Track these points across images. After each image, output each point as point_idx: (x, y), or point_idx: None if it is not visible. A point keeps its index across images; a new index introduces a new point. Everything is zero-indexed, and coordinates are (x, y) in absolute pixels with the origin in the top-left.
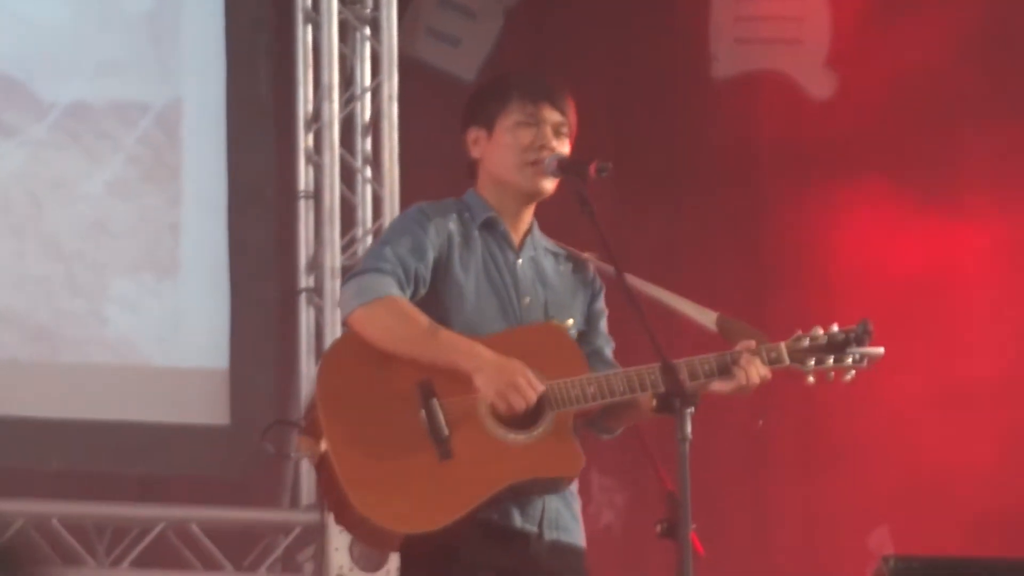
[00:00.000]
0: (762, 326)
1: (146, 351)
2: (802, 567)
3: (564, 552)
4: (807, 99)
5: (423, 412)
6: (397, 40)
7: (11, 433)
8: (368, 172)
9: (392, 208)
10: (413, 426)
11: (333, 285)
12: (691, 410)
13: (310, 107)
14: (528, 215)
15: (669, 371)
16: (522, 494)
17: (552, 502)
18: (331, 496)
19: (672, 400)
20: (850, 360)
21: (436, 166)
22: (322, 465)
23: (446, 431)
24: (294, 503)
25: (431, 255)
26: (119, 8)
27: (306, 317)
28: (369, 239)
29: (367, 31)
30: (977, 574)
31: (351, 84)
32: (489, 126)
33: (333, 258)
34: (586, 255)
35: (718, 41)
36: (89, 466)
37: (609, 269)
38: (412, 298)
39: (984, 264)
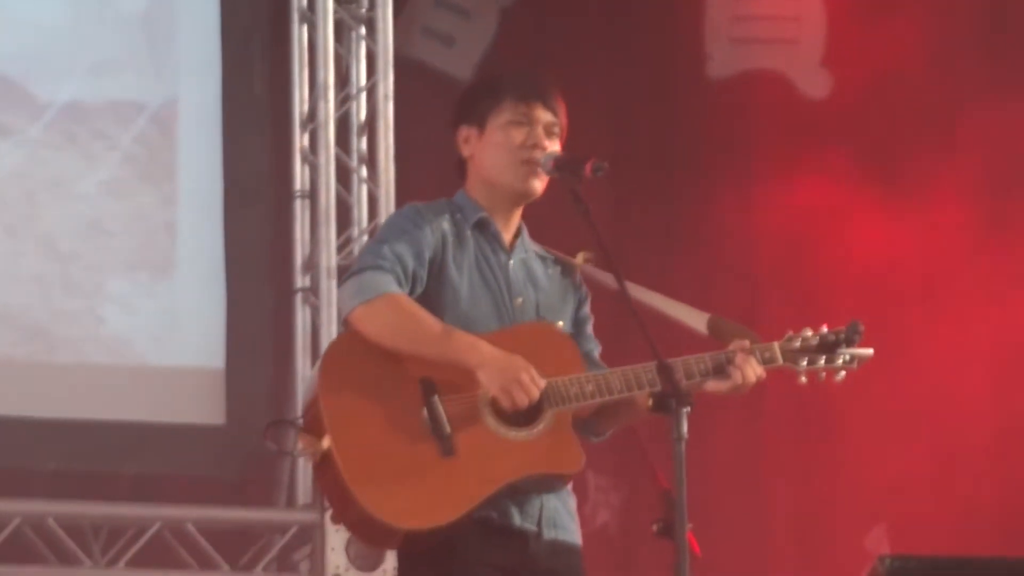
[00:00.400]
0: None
1: (142, 350)
2: (798, 567)
3: (562, 551)
4: (803, 98)
5: (425, 409)
6: (392, 40)
7: (7, 433)
8: (364, 172)
9: (388, 208)
10: (415, 423)
11: (329, 285)
12: (687, 409)
13: (306, 107)
14: (517, 216)
15: (665, 370)
16: (521, 492)
17: (550, 501)
18: (332, 494)
19: (668, 399)
20: (841, 361)
21: (432, 166)
22: (323, 463)
23: (448, 428)
24: (290, 503)
25: (427, 254)
26: (115, 8)
27: (302, 317)
28: (365, 239)
29: (363, 31)
30: (974, 573)
31: (347, 84)
32: (481, 125)
33: (329, 258)
34: (577, 259)
35: (714, 40)
36: (85, 466)
37: (596, 274)
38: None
39: (980, 263)
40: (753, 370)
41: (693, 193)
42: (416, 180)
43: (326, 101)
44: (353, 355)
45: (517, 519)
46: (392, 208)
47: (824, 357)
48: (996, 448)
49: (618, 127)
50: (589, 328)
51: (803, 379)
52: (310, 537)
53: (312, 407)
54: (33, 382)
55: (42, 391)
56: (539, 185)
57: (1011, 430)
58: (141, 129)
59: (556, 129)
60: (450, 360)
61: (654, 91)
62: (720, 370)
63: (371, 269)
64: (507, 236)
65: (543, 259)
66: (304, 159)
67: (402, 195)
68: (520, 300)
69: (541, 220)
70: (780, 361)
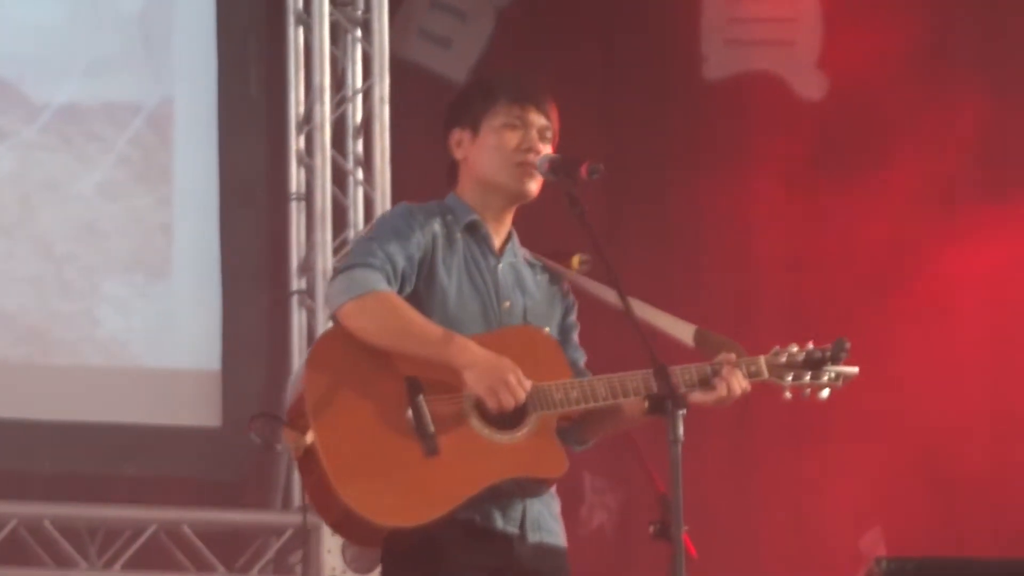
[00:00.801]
0: (752, 328)
1: (137, 352)
2: (794, 568)
3: (547, 553)
4: (798, 100)
5: (410, 408)
6: (388, 42)
7: (2, 435)
8: (360, 174)
9: (384, 210)
10: (400, 421)
11: (325, 287)
12: (683, 412)
13: (301, 109)
14: (509, 219)
15: (662, 372)
16: (503, 496)
17: (534, 504)
18: (314, 489)
19: (664, 402)
20: (826, 378)
21: (428, 168)
22: (306, 458)
23: (432, 428)
24: (286, 505)
25: (417, 255)
26: (110, 9)
27: (298, 319)
28: None
29: (358, 33)
30: (969, 575)
31: (342, 86)
32: (475, 127)
33: (325, 260)
34: (573, 262)
35: (709, 42)
36: (81, 468)
37: (585, 283)
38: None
39: (978, 265)
40: (739, 383)
41: (688, 195)
42: (412, 182)
43: (322, 103)
44: (340, 351)
45: (499, 522)
46: None
47: (810, 373)
48: (990, 449)
49: (613, 129)
50: (575, 336)
51: (788, 395)
52: (306, 539)
53: (297, 402)
54: (29, 384)
55: (38, 393)
56: (534, 187)
57: (1005, 432)
58: (137, 131)
59: (549, 133)
60: (437, 360)
61: (650, 93)
62: (705, 382)
63: (361, 266)
64: (498, 240)
65: (532, 265)
66: (300, 161)
67: (398, 197)
68: (508, 304)
69: (535, 223)
70: (766, 375)
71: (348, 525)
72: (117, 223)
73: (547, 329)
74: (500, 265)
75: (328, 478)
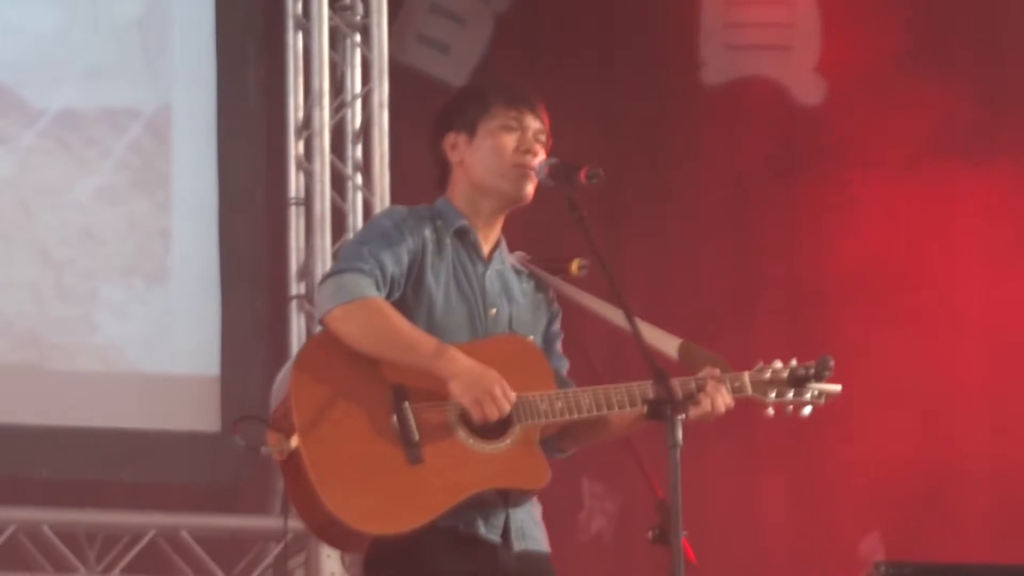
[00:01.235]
0: (750, 332)
1: (136, 358)
2: (793, 573)
3: (532, 560)
4: (797, 105)
5: (395, 416)
6: (387, 47)
7: (0, 440)
8: (359, 179)
9: None
10: (384, 429)
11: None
12: (682, 417)
13: (300, 114)
14: (499, 225)
15: (661, 377)
16: (486, 504)
17: (517, 513)
18: (297, 493)
19: (663, 407)
20: (809, 395)
21: (426, 173)
22: (290, 462)
23: (417, 436)
24: (285, 510)
25: (406, 259)
26: (109, 14)
27: (297, 324)
28: None
29: (357, 38)
30: None
31: (341, 91)
32: (470, 130)
33: (324, 265)
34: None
35: (708, 47)
36: (80, 473)
37: (571, 292)
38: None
39: (977, 268)
40: (723, 399)
41: (686, 199)
42: (411, 187)
43: (321, 108)
44: (327, 356)
45: (482, 529)
46: None
47: (793, 391)
48: (990, 454)
49: (612, 133)
50: (558, 345)
51: (770, 411)
52: (305, 545)
53: (283, 405)
54: (27, 389)
55: (36, 398)
56: (530, 190)
57: (1005, 436)
58: (135, 136)
59: (543, 137)
60: (424, 368)
61: (648, 97)
62: (690, 396)
63: (350, 271)
64: (487, 246)
65: (518, 272)
66: (299, 166)
67: (396, 202)
68: (494, 311)
69: (532, 228)
70: (750, 391)
71: (330, 531)
72: (115, 228)
73: (531, 337)
74: (488, 272)
75: (311, 483)
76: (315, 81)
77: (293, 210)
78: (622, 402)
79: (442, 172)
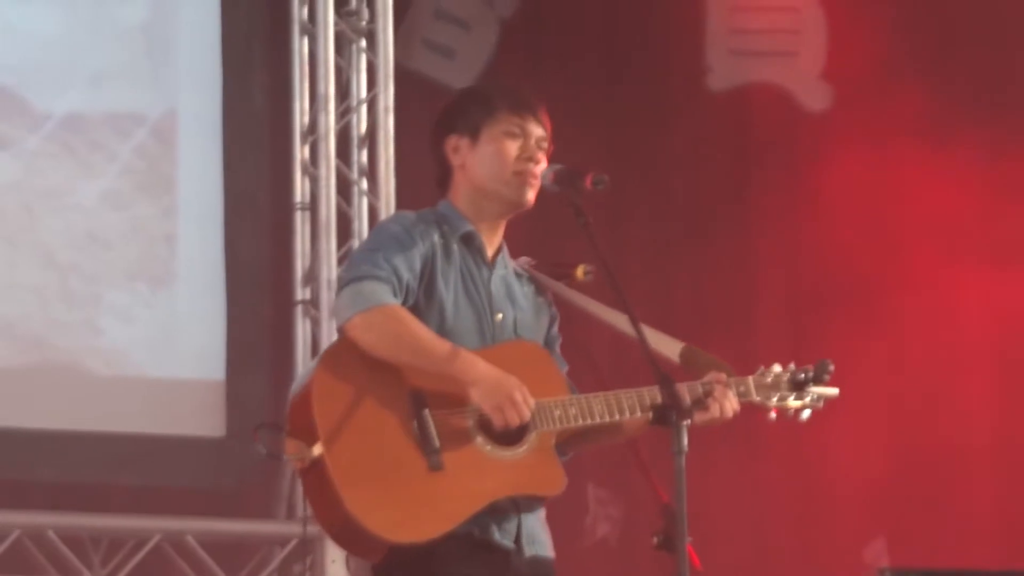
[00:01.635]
0: (755, 337)
1: (141, 362)
2: None
3: (541, 565)
4: (803, 111)
5: (415, 422)
6: (393, 52)
7: (5, 444)
8: (364, 184)
9: None
10: (404, 436)
11: (329, 297)
12: (687, 422)
13: (306, 119)
14: (502, 229)
15: (667, 383)
16: (499, 510)
17: (528, 519)
18: (319, 500)
19: (668, 412)
20: (808, 399)
21: (432, 178)
22: (312, 468)
23: (437, 443)
24: (290, 515)
25: (419, 265)
26: (114, 19)
27: (302, 329)
28: None
29: (363, 43)
30: None
31: (347, 96)
32: (474, 134)
33: (329, 270)
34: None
35: (713, 53)
36: (84, 477)
37: (570, 295)
38: None
39: (980, 271)
40: (731, 404)
41: (692, 205)
42: (416, 192)
43: (326, 113)
44: (347, 363)
45: (496, 535)
46: None
47: (793, 394)
48: (995, 460)
49: (616, 138)
50: (558, 348)
51: (772, 416)
52: (310, 549)
53: (303, 412)
54: (31, 393)
55: (41, 402)
56: (532, 196)
57: (1010, 442)
58: (140, 140)
59: (545, 144)
60: (444, 374)
61: (653, 103)
62: (698, 402)
63: (368, 278)
64: (490, 250)
65: (519, 276)
66: (304, 171)
67: (402, 207)
68: (500, 316)
69: (532, 233)
70: (754, 396)
71: (350, 537)
72: (120, 232)
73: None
74: (493, 277)
75: (335, 489)
76: (320, 86)
77: (298, 215)
78: (633, 407)
79: (443, 174)
